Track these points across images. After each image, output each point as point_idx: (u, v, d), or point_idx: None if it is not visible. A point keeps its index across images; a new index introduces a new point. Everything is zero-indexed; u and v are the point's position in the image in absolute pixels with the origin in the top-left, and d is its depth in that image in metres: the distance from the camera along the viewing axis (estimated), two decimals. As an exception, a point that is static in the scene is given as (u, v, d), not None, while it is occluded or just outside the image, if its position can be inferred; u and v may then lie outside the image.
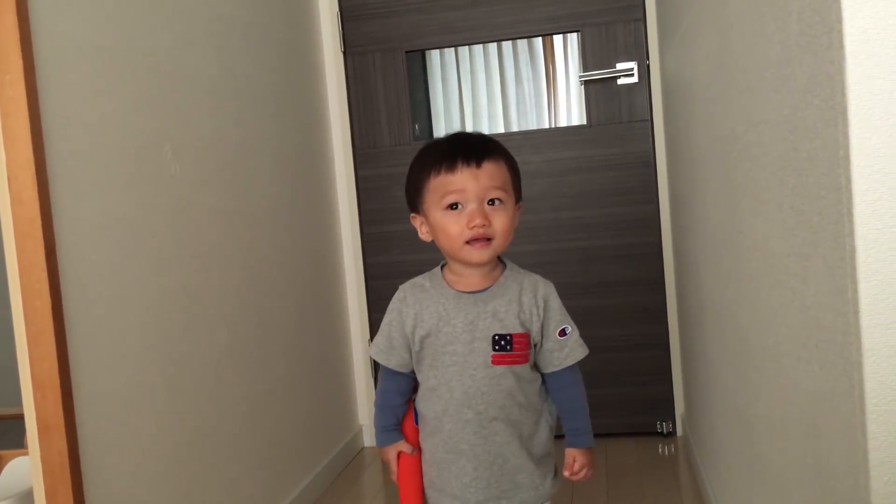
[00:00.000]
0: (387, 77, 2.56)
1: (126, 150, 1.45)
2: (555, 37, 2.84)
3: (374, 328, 2.61)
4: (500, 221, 1.14)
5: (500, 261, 1.23)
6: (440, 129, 2.99)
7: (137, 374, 1.44)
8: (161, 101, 1.58)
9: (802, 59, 0.76)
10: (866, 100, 0.64)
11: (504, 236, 1.15)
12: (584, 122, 2.47)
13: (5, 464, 1.61)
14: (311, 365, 2.27)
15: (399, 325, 1.22)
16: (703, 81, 1.48)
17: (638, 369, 2.47)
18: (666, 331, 2.45)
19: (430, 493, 1.24)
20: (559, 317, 1.21)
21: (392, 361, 1.24)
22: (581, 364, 1.23)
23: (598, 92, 2.44)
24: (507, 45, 2.96)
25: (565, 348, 1.21)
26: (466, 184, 1.13)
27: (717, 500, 1.70)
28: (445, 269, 1.23)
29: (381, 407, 1.28)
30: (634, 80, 2.40)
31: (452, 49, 2.89)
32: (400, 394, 1.27)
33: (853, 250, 0.65)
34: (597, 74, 2.41)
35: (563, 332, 1.21)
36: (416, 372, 1.24)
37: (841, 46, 0.64)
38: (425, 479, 1.25)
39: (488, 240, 1.14)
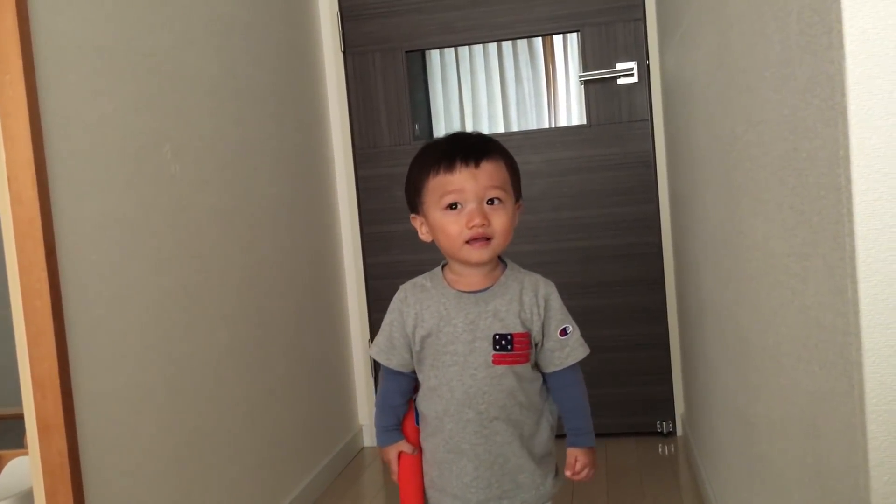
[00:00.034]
0: (387, 77, 2.56)
1: (126, 150, 1.45)
2: (555, 37, 2.83)
3: (374, 328, 2.61)
4: (500, 221, 1.14)
5: (500, 260, 1.23)
6: (440, 129, 2.99)
7: (137, 374, 1.44)
8: (161, 101, 1.58)
9: (802, 59, 0.76)
10: (866, 100, 0.64)
11: (504, 235, 1.15)
12: (584, 122, 2.47)
13: (5, 464, 1.61)
14: (311, 365, 2.27)
15: (400, 325, 1.22)
16: (702, 81, 1.48)
17: (638, 369, 2.47)
18: (666, 331, 2.45)
19: (430, 493, 1.24)
20: (560, 316, 1.21)
21: (393, 361, 1.24)
22: (581, 364, 1.23)
23: (597, 92, 2.44)
24: (507, 45, 2.96)
25: (566, 348, 1.21)
26: (465, 184, 1.13)
27: (717, 500, 1.70)
28: (446, 268, 1.23)
29: (381, 407, 1.28)
30: (634, 79, 2.40)
31: (452, 49, 2.89)
32: (401, 394, 1.27)
33: (853, 250, 0.65)
34: (597, 74, 2.41)
35: (564, 332, 1.21)
36: (416, 372, 1.24)
37: (841, 46, 0.64)
38: (426, 478, 1.25)
39: (488, 239, 1.14)
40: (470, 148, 1.15)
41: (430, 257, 1.33)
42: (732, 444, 1.43)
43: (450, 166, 1.14)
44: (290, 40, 2.32)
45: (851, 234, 0.65)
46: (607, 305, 2.47)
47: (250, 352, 1.88)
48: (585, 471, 1.24)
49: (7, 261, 1.22)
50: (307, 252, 2.32)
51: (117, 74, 1.44)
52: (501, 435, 1.18)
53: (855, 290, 0.66)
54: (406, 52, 2.54)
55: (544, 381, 1.24)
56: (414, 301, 1.22)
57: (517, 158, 1.22)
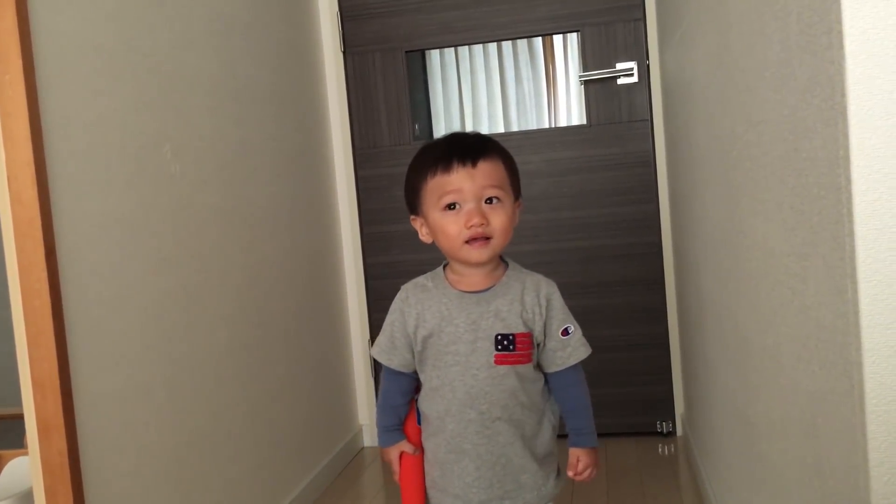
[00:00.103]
0: (387, 77, 2.56)
1: (126, 150, 1.45)
2: (555, 37, 2.84)
3: (374, 328, 2.61)
4: (499, 220, 1.14)
5: (502, 260, 1.23)
6: (440, 129, 2.99)
7: (137, 374, 1.44)
8: (161, 101, 1.58)
9: (802, 59, 0.76)
10: (866, 100, 0.64)
11: (503, 235, 1.15)
12: (584, 121, 2.47)
13: (5, 464, 1.61)
14: (311, 365, 2.27)
15: (401, 325, 1.22)
16: (702, 81, 1.48)
17: (638, 369, 2.47)
18: (666, 331, 2.45)
19: (432, 493, 1.24)
20: (562, 316, 1.21)
21: (394, 362, 1.24)
22: (582, 364, 1.23)
23: (597, 92, 2.44)
24: (507, 45, 2.96)
25: (568, 347, 1.21)
26: (463, 183, 1.13)
27: (717, 500, 1.70)
28: (448, 269, 1.23)
29: (383, 407, 1.28)
30: (634, 79, 2.40)
31: (452, 49, 2.89)
32: (402, 394, 1.27)
33: (853, 250, 0.65)
34: (597, 74, 2.41)
35: (565, 332, 1.20)
36: (418, 372, 1.24)
37: (841, 46, 0.64)
38: (428, 479, 1.25)
39: (487, 239, 1.14)
40: (467, 148, 1.15)
41: (430, 257, 1.33)
42: (732, 444, 1.43)
43: (447, 167, 1.14)
44: (290, 40, 2.32)
45: (851, 234, 0.65)
46: (607, 305, 2.47)
47: (250, 352, 1.88)
48: (588, 471, 1.24)
49: (7, 261, 1.22)
50: (307, 252, 2.32)
51: (117, 74, 1.44)
52: (503, 435, 1.18)
53: (855, 290, 0.66)
54: (406, 52, 2.54)
55: (546, 381, 1.24)
56: (415, 301, 1.21)
57: (517, 158, 1.22)
